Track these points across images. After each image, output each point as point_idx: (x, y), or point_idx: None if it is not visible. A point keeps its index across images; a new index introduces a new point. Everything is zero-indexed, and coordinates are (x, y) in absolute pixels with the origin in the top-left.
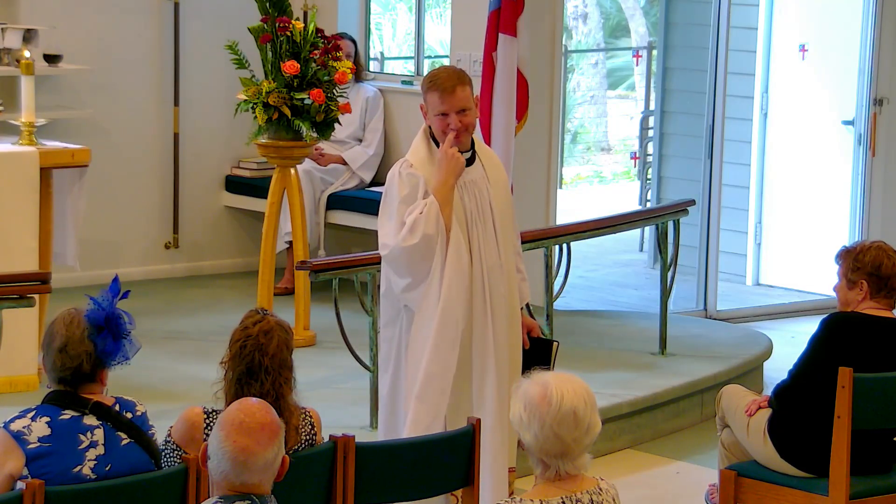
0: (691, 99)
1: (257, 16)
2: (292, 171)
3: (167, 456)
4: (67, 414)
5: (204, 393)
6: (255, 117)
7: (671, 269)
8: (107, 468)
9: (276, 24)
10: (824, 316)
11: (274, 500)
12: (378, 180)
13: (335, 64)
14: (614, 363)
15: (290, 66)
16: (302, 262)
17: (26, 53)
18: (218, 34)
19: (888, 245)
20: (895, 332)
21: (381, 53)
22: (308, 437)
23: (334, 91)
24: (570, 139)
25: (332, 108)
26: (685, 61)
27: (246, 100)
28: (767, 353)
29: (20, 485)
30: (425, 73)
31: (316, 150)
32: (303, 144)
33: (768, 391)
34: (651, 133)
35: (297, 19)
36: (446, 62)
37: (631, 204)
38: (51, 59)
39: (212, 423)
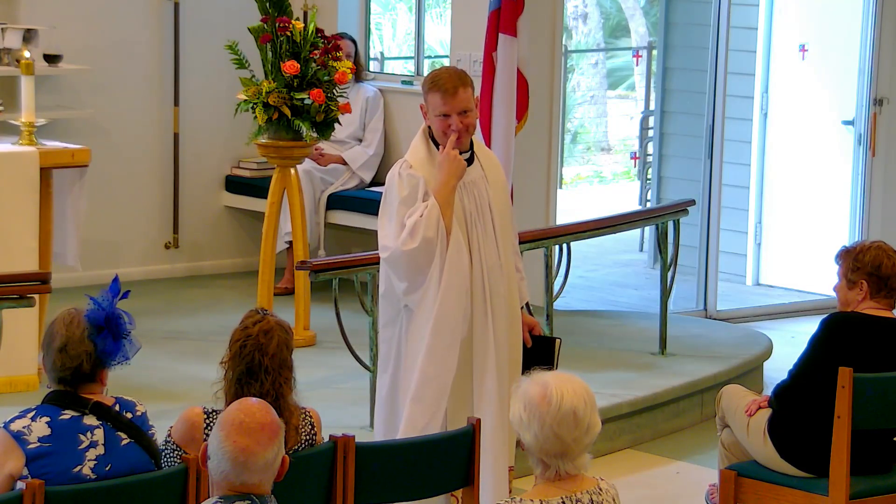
0: (691, 99)
1: (257, 16)
2: (292, 171)
3: (167, 456)
4: (67, 414)
5: (204, 393)
6: (255, 117)
7: (671, 269)
8: (107, 468)
9: (276, 24)
10: (824, 316)
11: (274, 500)
12: (378, 180)
13: (335, 64)
14: (614, 363)
15: (290, 66)
16: (302, 262)
17: (26, 53)
18: (218, 34)
19: (888, 245)
20: (895, 332)
21: (381, 53)
22: (308, 437)
23: (334, 91)
24: (570, 139)
25: (332, 108)
26: (685, 61)
27: (246, 100)
28: (767, 353)
29: (20, 485)
30: (425, 73)
31: (316, 150)
32: (303, 144)
33: (768, 391)
34: (651, 133)
35: (297, 19)
36: (446, 62)
37: (631, 204)
38: (51, 59)
39: (212, 423)
